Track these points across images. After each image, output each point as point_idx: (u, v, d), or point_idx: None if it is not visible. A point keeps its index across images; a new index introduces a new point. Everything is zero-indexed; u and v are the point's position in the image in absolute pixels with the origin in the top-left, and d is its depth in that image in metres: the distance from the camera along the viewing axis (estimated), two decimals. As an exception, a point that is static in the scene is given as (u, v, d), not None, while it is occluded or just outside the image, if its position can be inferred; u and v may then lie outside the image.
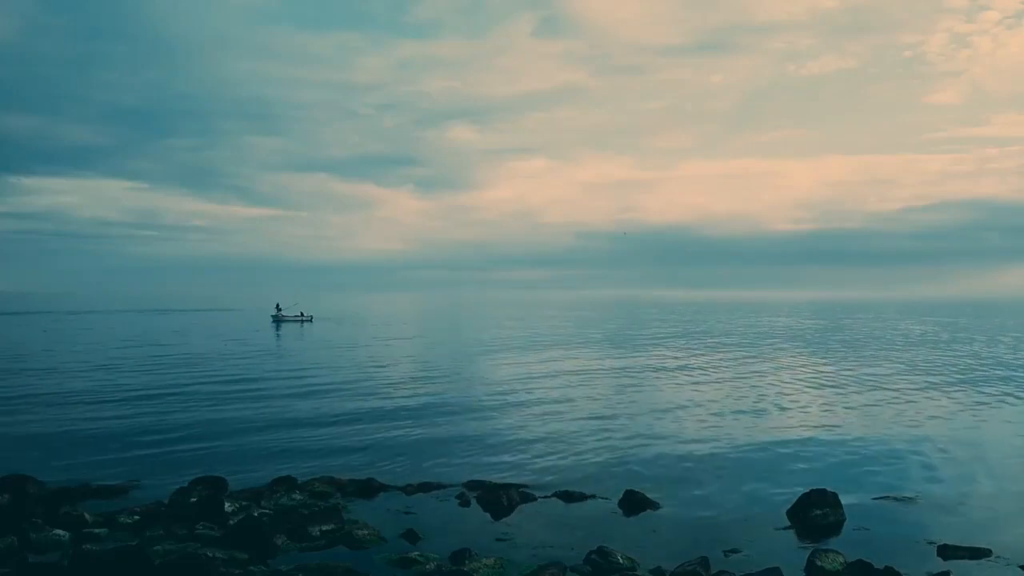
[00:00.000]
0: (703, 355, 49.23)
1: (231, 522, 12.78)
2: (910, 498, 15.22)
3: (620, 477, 16.82)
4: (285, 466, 17.29)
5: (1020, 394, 30.82)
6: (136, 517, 13.05)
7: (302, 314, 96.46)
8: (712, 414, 25.46)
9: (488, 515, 14.07)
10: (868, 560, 10.97)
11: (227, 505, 13.51)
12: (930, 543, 12.40)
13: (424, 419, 24.16)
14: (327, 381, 33.98)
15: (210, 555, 10.68)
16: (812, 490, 14.10)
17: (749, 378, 36.10)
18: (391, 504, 14.69)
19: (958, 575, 11.00)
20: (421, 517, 13.70)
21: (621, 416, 25.07)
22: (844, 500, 13.99)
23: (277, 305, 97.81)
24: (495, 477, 16.50)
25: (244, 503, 13.87)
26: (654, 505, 14.58)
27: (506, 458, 18.74)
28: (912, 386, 33.05)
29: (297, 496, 14.74)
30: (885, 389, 31.99)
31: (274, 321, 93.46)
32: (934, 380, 35.30)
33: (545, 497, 15.15)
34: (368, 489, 15.47)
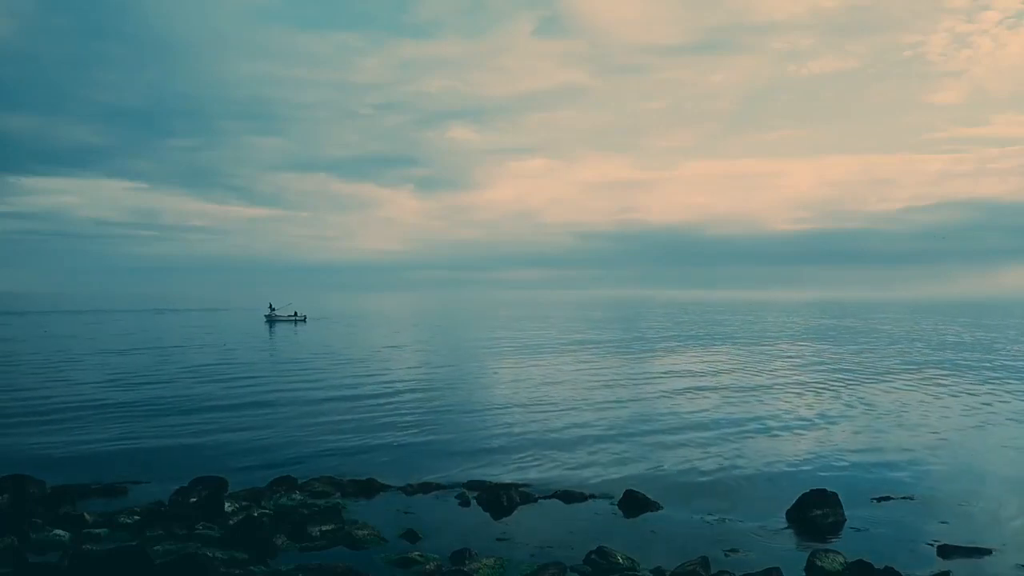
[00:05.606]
0: (703, 355, 49.21)
1: (231, 522, 12.77)
2: (910, 498, 15.23)
3: (620, 477, 16.83)
4: (285, 466, 17.30)
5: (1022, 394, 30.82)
6: (136, 517, 13.03)
7: (296, 314, 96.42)
8: (712, 414, 25.45)
9: (488, 515, 14.07)
10: (868, 560, 10.97)
11: (227, 505, 13.51)
12: (930, 543, 12.41)
13: (424, 419, 24.16)
14: (325, 381, 33.96)
15: (210, 555, 10.68)
16: (812, 490, 14.12)
17: (748, 378, 36.11)
18: (391, 504, 14.68)
19: (958, 575, 11.02)
20: (421, 517, 13.69)
21: (621, 416, 25.06)
22: (844, 500, 14.00)
23: (270, 305, 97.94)
24: (495, 477, 16.51)
25: (244, 503, 13.87)
26: (654, 505, 14.57)
27: (506, 458, 18.73)
28: (914, 385, 33.05)
29: (297, 496, 14.74)
30: (886, 388, 31.99)
31: (267, 321, 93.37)
32: (936, 380, 35.29)
33: (545, 497, 15.15)
34: (368, 489, 15.47)
